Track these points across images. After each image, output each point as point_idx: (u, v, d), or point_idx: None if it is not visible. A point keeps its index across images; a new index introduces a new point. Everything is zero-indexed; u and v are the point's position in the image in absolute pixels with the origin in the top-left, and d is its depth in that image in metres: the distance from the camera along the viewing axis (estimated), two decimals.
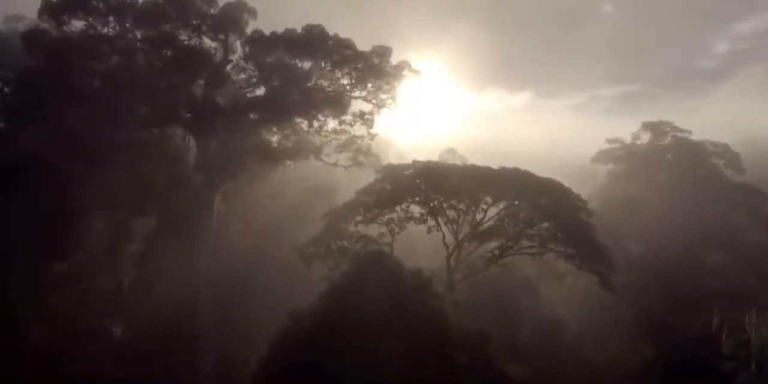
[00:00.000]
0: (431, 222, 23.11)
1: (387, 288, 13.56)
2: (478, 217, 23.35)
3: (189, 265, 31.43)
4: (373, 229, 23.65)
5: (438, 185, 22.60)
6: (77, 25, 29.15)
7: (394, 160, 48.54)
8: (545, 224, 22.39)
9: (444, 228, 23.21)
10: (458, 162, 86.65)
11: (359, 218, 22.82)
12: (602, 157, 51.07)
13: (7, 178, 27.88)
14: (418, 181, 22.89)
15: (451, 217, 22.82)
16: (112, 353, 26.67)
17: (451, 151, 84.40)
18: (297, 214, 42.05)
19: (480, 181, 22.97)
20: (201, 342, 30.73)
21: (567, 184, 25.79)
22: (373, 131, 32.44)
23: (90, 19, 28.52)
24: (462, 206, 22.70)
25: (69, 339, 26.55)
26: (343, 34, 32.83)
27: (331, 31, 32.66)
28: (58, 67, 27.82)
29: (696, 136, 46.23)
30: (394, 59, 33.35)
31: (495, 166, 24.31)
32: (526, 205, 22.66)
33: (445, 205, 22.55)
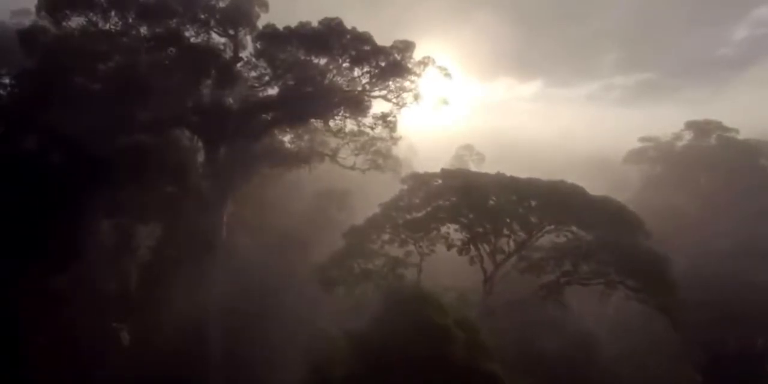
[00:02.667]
0: (472, 250, 20.40)
1: (431, 342, 11.26)
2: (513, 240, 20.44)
3: (198, 274, 29.96)
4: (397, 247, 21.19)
5: (480, 207, 19.80)
6: (78, 21, 27.08)
7: (405, 154, 45.94)
8: (609, 256, 19.42)
9: (485, 254, 20.50)
10: (475, 159, 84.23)
11: (386, 237, 20.28)
12: (634, 157, 47.77)
13: (7, 183, 26.54)
14: (454, 198, 20.19)
15: (498, 246, 20.13)
16: (122, 359, 26.23)
17: (468, 147, 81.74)
18: (311, 218, 40.20)
19: (526, 199, 20.08)
20: (210, 351, 29.52)
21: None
22: (396, 135, 29.89)
23: (90, 14, 26.39)
24: (510, 233, 19.90)
25: (78, 342, 25.72)
26: (349, 25, 30.14)
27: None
28: (57, 67, 25.93)
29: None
30: None
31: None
32: (585, 231, 19.73)
33: (491, 231, 19.75)
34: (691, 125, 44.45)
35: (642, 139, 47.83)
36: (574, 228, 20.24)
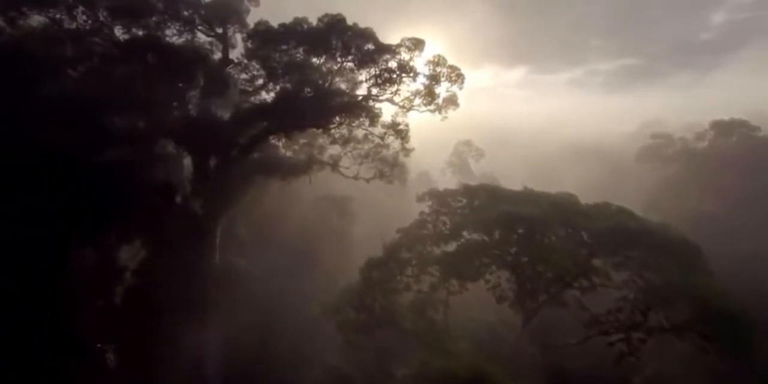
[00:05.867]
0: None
1: None
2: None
3: (190, 297, 27.24)
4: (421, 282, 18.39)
5: (533, 248, 16.90)
6: (38, 19, 23.32)
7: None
8: (687, 306, 16.75)
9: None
10: (474, 154, 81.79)
11: (409, 271, 17.43)
12: (647, 154, 45.39)
13: None
14: (497, 233, 17.19)
15: (552, 292, 17.27)
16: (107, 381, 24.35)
17: (468, 143, 79.46)
18: (311, 229, 37.38)
19: (572, 225, 17.26)
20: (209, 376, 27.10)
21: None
22: (408, 146, 26.90)
23: (52, 11, 22.64)
24: (567, 276, 17.07)
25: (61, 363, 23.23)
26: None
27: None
28: (18, 74, 22.30)
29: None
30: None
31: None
32: (647, 270, 16.99)
33: (552, 279, 16.87)
34: (715, 125, 42.11)
35: (654, 136, 45.53)
36: (635, 265, 17.47)
